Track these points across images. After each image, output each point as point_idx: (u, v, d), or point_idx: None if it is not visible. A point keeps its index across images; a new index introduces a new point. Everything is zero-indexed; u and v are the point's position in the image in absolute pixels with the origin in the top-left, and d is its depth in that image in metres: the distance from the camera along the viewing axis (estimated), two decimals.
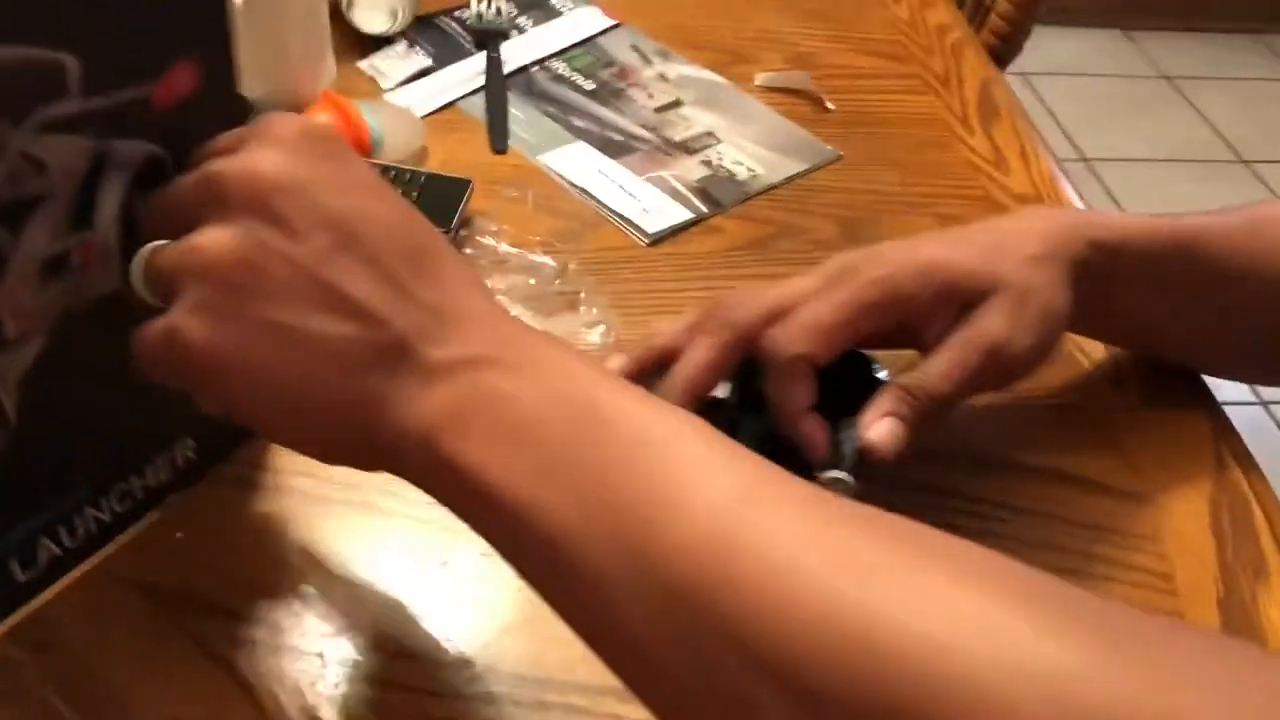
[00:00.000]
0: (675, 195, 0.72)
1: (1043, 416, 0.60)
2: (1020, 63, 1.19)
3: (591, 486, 0.34)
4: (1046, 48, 2.51)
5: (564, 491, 0.34)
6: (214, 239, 0.37)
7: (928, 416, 0.50)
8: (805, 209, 0.73)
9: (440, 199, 0.66)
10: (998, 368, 0.51)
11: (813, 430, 0.50)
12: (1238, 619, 0.51)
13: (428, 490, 0.37)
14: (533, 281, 0.63)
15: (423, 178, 0.67)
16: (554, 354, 0.37)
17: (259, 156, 0.38)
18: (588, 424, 0.35)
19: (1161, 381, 0.62)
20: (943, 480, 0.55)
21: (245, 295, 0.36)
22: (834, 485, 0.48)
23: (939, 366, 0.51)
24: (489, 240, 0.66)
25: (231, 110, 0.44)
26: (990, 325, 0.51)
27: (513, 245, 0.66)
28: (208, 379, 0.38)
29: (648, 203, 0.71)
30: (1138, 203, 2.25)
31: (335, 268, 0.37)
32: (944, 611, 0.30)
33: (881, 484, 0.48)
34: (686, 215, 0.71)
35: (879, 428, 0.49)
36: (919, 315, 0.52)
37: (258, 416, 0.39)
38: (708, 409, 0.51)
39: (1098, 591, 0.51)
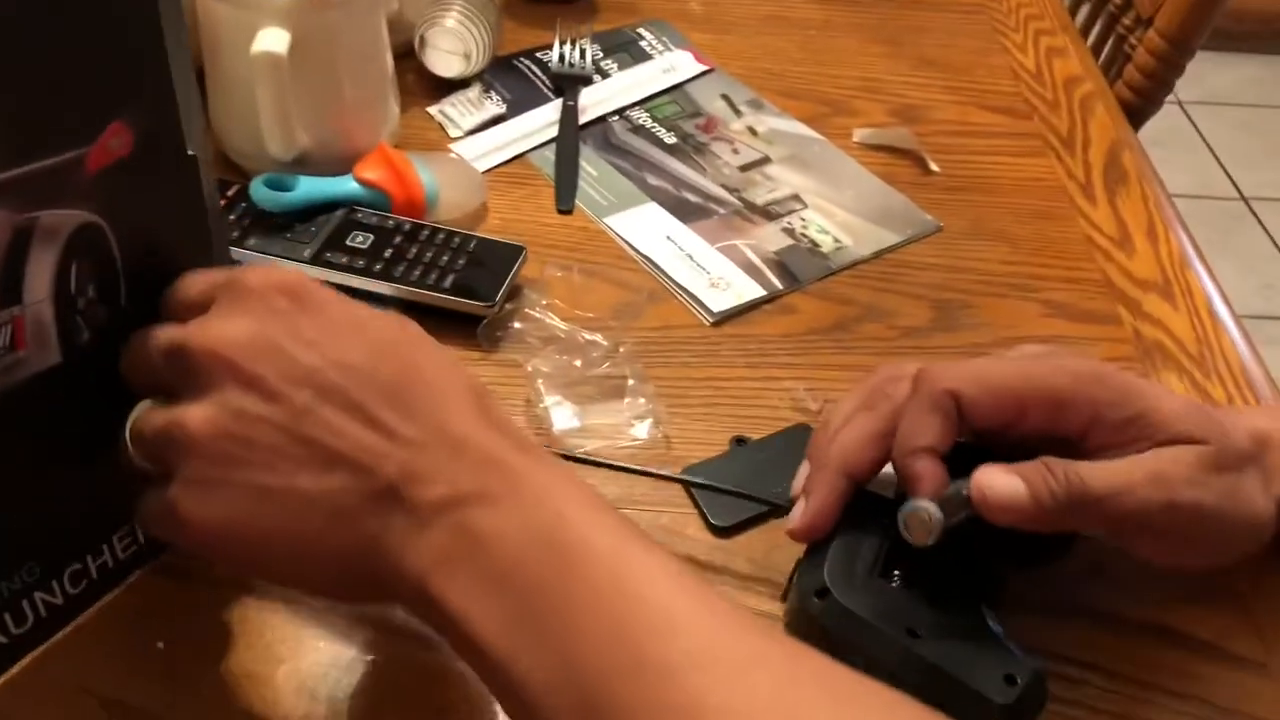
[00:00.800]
0: (748, 268, 0.66)
1: None
2: (1176, 90, 1.08)
3: (558, 641, 0.34)
4: (1206, 75, 2.35)
5: (534, 645, 0.35)
6: (193, 415, 0.38)
7: (1059, 506, 0.43)
8: (894, 288, 0.66)
9: (489, 267, 0.61)
10: (1166, 529, 0.43)
11: (923, 467, 0.44)
12: None
13: (429, 626, 0.38)
14: (578, 363, 0.58)
15: (473, 243, 0.63)
16: (543, 482, 0.37)
17: (225, 326, 0.39)
18: (561, 568, 0.35)
19: None
20: (1021, 629, 0.48)
21: (233, 465, 0.38)
22: (914, 516, 0.43)
23: (1105, 467, 0.43)
24: (538, 314, 0.61)
25: (174, 170, 0.42)
26: (1183, 473, 0.43)
27: (563, 320, 0.60)
28: (210, 547, 0.40)
29: (717, 275, 0.65)
30: None
31: (316, 423, 0.38)
32: None
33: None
34: (758, 292, 0.64)
35: (995, 476, 0.43)
36: (1100, 433, 0.44)
37: (265, 572, 0.42)
38: (867, 503, 0.47)
39: None
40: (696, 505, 0.53)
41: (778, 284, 0.65)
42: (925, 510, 0.43)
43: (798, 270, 0.66)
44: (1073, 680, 0.47)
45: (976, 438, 0.46)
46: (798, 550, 0.51)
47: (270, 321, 0.39)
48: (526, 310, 0.61)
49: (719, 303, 0.63)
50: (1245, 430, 0.46)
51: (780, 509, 0.51)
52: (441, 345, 0.41)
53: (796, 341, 0.62)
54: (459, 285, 0.60)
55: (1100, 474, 0.43)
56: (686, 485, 0.54)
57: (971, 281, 0.67)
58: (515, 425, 0.40)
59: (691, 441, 0.56)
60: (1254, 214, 2.17)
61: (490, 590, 0.35)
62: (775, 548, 0.52)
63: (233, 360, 0.38)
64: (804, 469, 0.48)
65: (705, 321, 0.63)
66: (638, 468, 0.53)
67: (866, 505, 0.47)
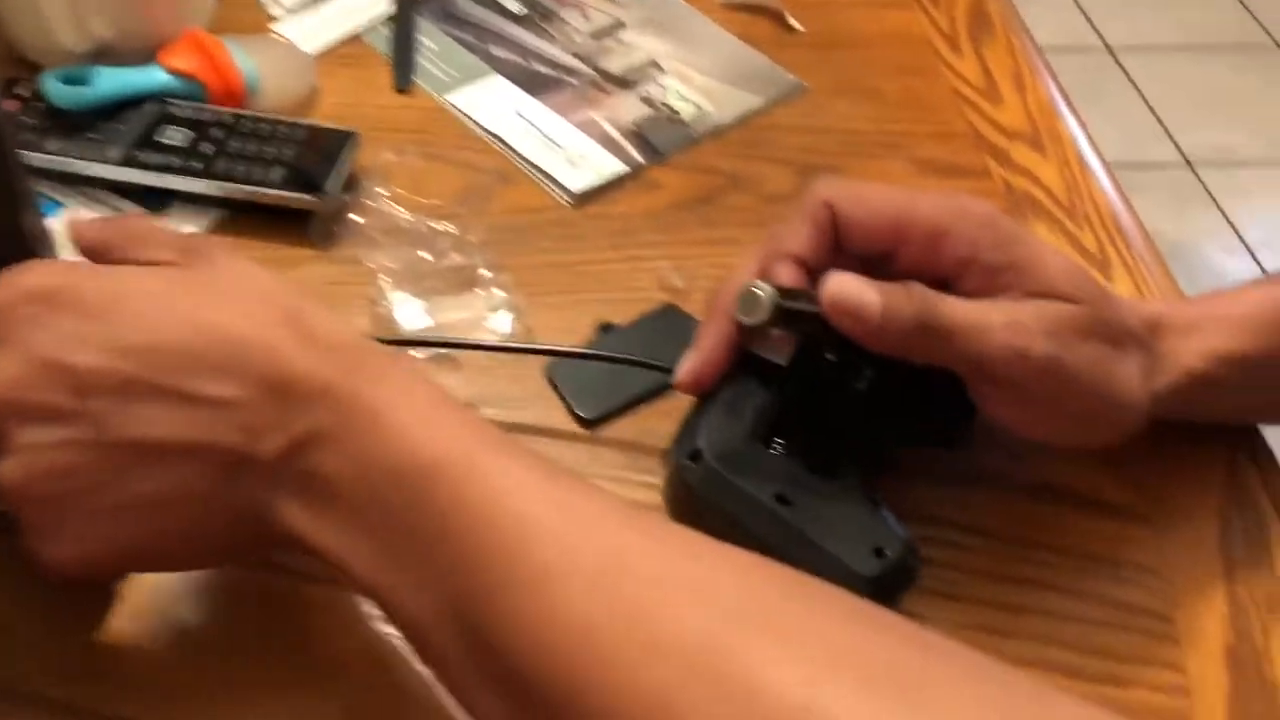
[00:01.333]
0: (606, 142, 0.62)
1: None
2: None
3: (427, 570, 0.33)
4: None
5: (408, 578, 0.33)
6: (2, 473, 0.35)
7: (906, 328, 0.40)
8: (759, 154, 0.63)
9: (320, 156, 0.56)
10: (1017, 383, 0.41)
11: (782, 271, 0.43)
12: (1249, 673, 0.43)
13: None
14: (425, 255, 0.54)
15: (300, 131, 0.57)
16: (380, 403, 0.35)
17: None
18: (411, 495, 0.33)
19: None
20: (901, 495, 0.46)
21: (67, 501, 0.35)
22: (747, 292, 0.41)
23: (964, 303, 0.41)
24: (378, 204, 0.56)
25: None
26: (1043, 327, 0.41)
27: (406, 210, 0.56)
28: (96, 575, 0.39)
29: (574, 152, 0.61)
30: (1165, 98, 2.10)
31: (126, 423, 0.35)
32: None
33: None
34: (619, 167, 0.61)
35: (849, 280, 0.40)
36: (974, 275, 0.42)
37: (168, 568, 0.40)
38: (758, 372, 0.44)
39: (1082, 636, 0.44)
40: (562, 398, 0.50)
41: (639, 158, 0.61)
42: (759, 287, 0.41)
43: (658, 142, 0.62)
44: (953, 543, 0.46)
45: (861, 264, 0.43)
46: (672, 437, 0.49)
47: (29, 338, 0.35)
48: (365, 201, 0.56)
49: (577, 181, 0.59)
50: (1140, 314, 0.44)
51: (663, 382, 0.49)
52: (231, 264, 0.37)
53: (661, 218, 0.59)
54: (287, 178, 0.55)
55: (958, 308, 0.41)
56: (550, 377, 0.51)
57: (838, 143, 0.64)
58: (344, 335, 0.37)
59: (555, 330, 0.53)
60: (1120, 65, 2.19)
61: (354, 530, 0.34)
62: (647, 434, 0.49)
63: (9, 400, 0.35)
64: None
65: (563, 202, 0.59)
66: (499, 344, 0.50)
67: (755, 369, 0.44)
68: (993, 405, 0.43)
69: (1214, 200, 1.92)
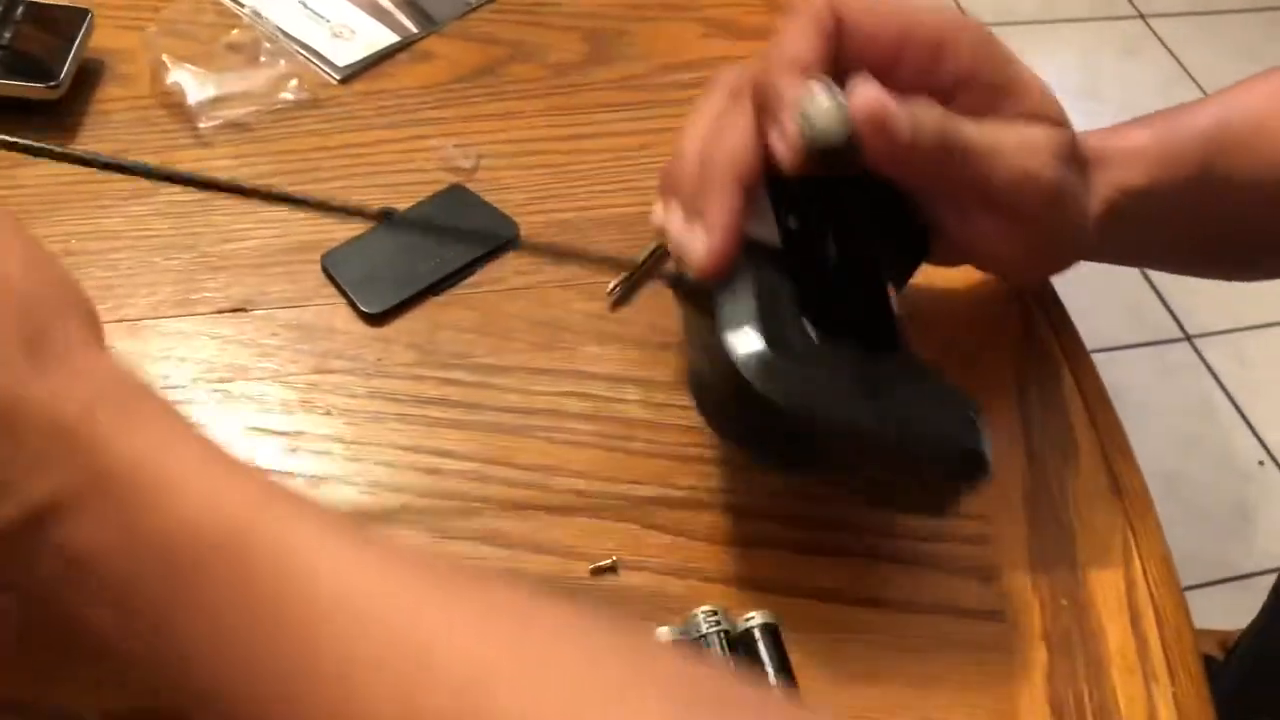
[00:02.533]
0: (374, 11, 0.57)
1: None
2: None
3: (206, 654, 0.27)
4: None
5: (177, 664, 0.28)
6: None
7: (930, 145, 0.38)
8: (542, 21, 0.59)
9: (47, 40, 0.50)
10: (1017, 206, 0.41)
11: (795, 84, 0.37)
12: (1045, 517, 0.44)
13: None
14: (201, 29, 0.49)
15: (19, 8, 0.50)
16: (140, 452, 0.28)
17: None
18: (175, 578, 0.27)
19: None
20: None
21: None
22: (816, 105, 0.36)
23: (979, 124, 0.40)
24: (117, 95, 0.50)
25: None
26: (1050, 151, 0.40)
27: (152, 99, 0.50)
28: None
29: (339, 23, 0.56)
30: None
31: None
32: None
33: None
34: (390, 38, 0.56)
35: (877, 89, 0.37)
36: (970, 92, 0.41)
37: None
38: (749, 257, 0.38)
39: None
40: (343, 293, 0.47)
41: (411, 27, 0.57)
42: (833, 94, 0.36)
43: (432, 9, 0.58)
44: None
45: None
46: (467, 332, 0.46)
47: None
48: (104, 91, 0.50)
49: (344, 55, 0.55)
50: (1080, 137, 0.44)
51: (451, 269, 0.46)
52: None
53: (440, 92, 0.55)
54: (10, 65, 0.49)
55: (972, 127, 0.39)
56: (328, 271, 0.47)
57: (624, 7, 0.60)
58: (108, 360, 0.30)
59: (330, 222, 0.49)
60: None
61: (112, 604, 0.28)
62: (438, 329, 0.46)
63: None
64: (662, 206, 0.40)
65: (331, 79, 0.54)
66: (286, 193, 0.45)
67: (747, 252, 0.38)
68: (978, 233, 0.42)
69: None
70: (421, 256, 0.48)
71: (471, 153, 0.52)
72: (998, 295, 0.50)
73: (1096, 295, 1.69)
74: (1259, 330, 1.66)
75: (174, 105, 0.51)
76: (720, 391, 0.37)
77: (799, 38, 0.38)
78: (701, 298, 0.38)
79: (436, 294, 0.47)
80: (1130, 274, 1.73)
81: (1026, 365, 0.49)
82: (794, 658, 0.38)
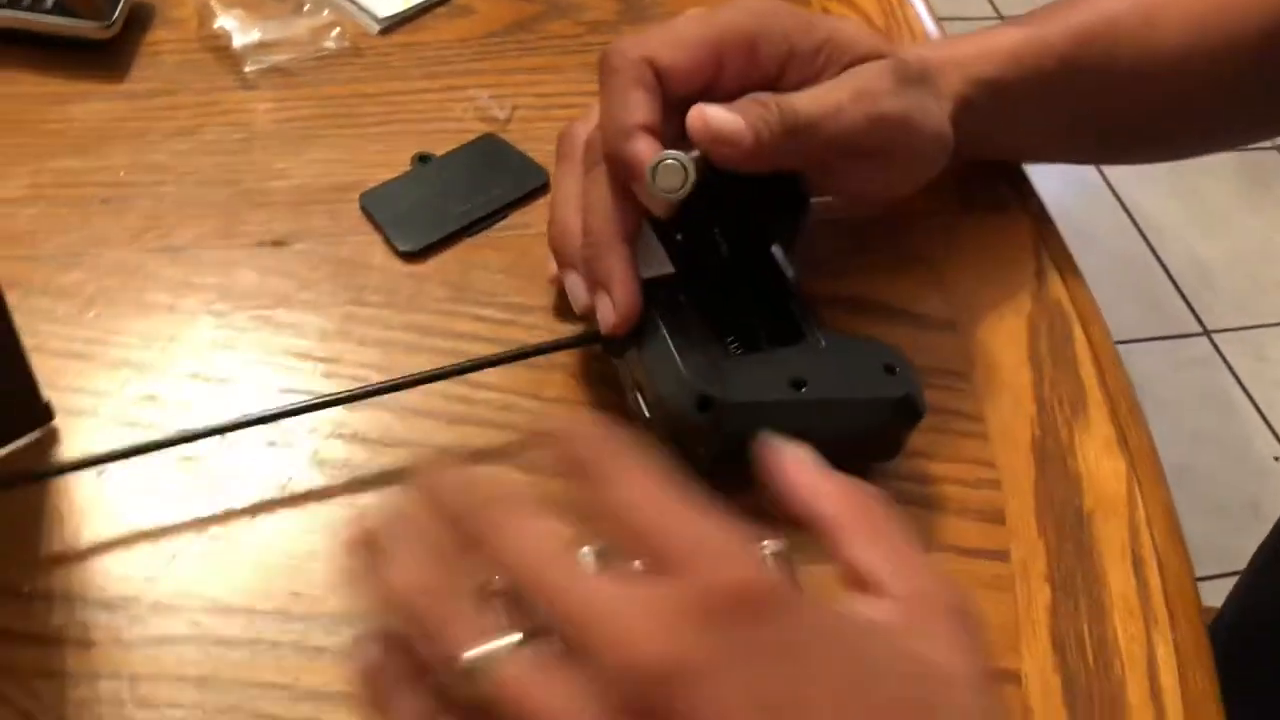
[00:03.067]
0: None
1: (836, 231, 0.51)
2: None
3: None
4: None
5: None
6: None
7: (776, 137, 0.40)
8: None
9: None
10: (873, 146, 0.43)
11: (644, 146, 0.39)
12: (1052, 464, 0.45)
13: None
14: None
15: None
16: None
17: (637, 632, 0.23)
18: None
19: (979, 179, 0.54)
20: None
21: None
22: (666, 167, 0.39)
23: (809, 93, 0.42)
24: (166, 37, 0.52)
25: None
26: (881, 86, 0.42)
27: (198, 43, 0.52)
28: None
29: None
30: None
31: None
32: None
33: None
34: None
35: (712, 109, 0.40)
36: (795, 66, 0.42)
37: None
38: (653, 300, 0.41)
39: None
40: (380, 232, 0.48)
41: None
42: (673, 157, 0.39)
43: None
44: None
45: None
46: (497, 272, 0.48)
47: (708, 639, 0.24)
48: (153, 29, 0.52)
49: (385, 7, 0.56)
50: (912, 53, 0.46)
51: (484, 212, 0.48)
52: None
53: (476, 45, 0.57)
54: (64, 4, 0.50)
55: (807, 99, 0.41)
56: (367, 210, 0.49)
57: None
58: None
59: (369, 165, 0.51)
60: None
61: None
62: (471, 268, 0.48)
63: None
64: (567, 276, 0.42)
65: (371, 30, 0.56)
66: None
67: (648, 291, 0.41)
68: (849, 180, 0.45)
69: None
70: (455, 199, 0.49)
71: (506, 104, 0.54)
72: (1013, 256, 0.52)
73: (1116, 289, 1.70)
74: (1278, 328, 1.67)
75: (220, 49, 0.53)
76: (668, 430, 0.40)
77: (627, 102, 0.40)
78: (627, 348, 0.41)
79: (469, 235, 0.49)
80: (1150, 267, 1.73)
81: (1039, 323, 0.50)
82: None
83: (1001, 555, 0.42)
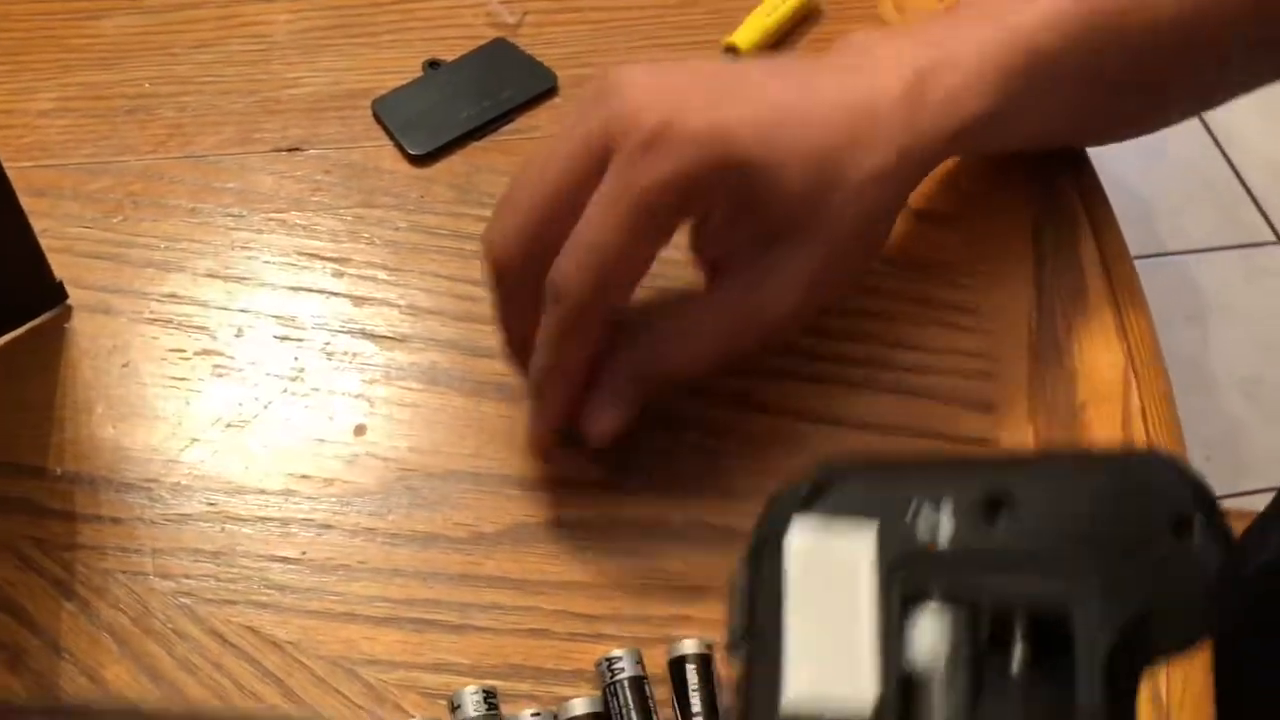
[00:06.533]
0: None
1: None
2: None
3: None
4: None
5: None
6: None
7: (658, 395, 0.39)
8: None
9: None
10: (770, 339, 0.40)
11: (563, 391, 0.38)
12: (1049, 356, 0.46)
13: None
14: None
15: None
16: None
17: None
18: None
19: None
20: None
21: None
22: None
23: (702, 343, 0.38)
24: None
25: None
26: (781, 299, 0.38)
27: None
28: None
29: None
30: None
31: None
32: None
33: None
34: None
35: (600, 424, 0.38)
36: (713, 223, 0.39)
37: None
38: None
39: (889, 330, 0.46)
40: (391, 136, 0.50)
41: None
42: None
43: None
44: None
45: None
46: (504, 175, 0.49)
47: None
48: None
49: None
50: (893, 93, 0.39)
51: (495, 114, 0.49)
52: None
53: None
54: None
55: (686, 353, 0.38)
56: (378, 116, 0.50)
57: None
58: None
59: (380, 71, 0.52)
60: None
61: None
62: (478, 170, 0.49)
63: None
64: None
65: None
66: None
67: None
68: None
69: None
70: (464, 104, 0.51)
71: (517, 9, 0.55)
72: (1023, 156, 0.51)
73: (1185, 197, 1.66)
74: None
75: None
76: None
77: (630, 252, 0.36)
78: None
79: (477, 139, 0.50)
80: (1223, 175, 1.68)
81: (1043, 216, 0.50)
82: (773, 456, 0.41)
83: (989, 442, 0.43)
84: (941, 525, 0.26)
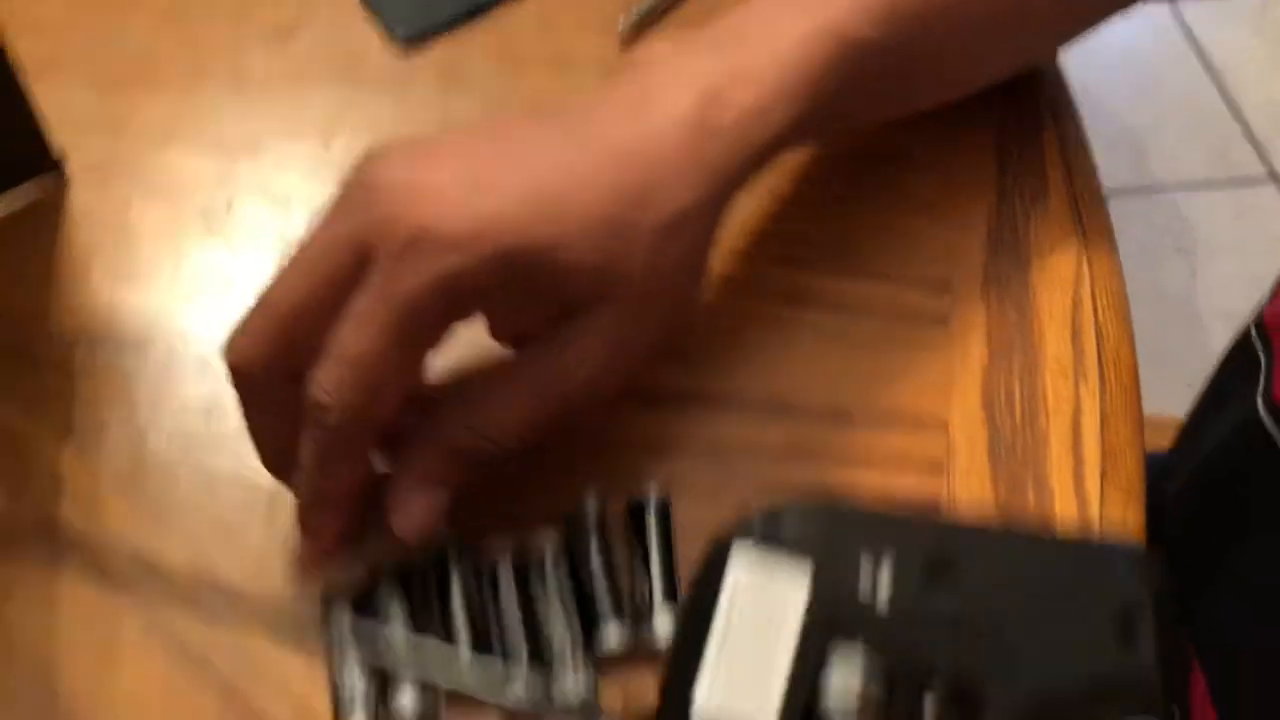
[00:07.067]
0: None
1: None
2: None
3: None
4: None
5: None
6: None
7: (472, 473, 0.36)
8: None
9: None
10: (590, 400, 0.36)
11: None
12: (1006, 247, 0.48)
13: None
14: None
15: None
16: None
17: None
18: None
19: None
20: None
21: None
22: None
23: (512, 412, 0.35)
24: None
25: None
26: (589, 361, 0.35)
27: None
28: None
29: None
30: None
31: None
32: None
33: None
34: None
35: (410, 514, 0.34)
36: (500, 311, 0.37)
37: None
38: None
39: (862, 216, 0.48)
40: (379, 19, 0.52)
41: None
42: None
43: None
44: None
45: None
46: (489, 60, 0.51)
47: None
48: None
49: None
50: (676, 117, 0.35)
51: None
52: None
53: None
54: None
55: (507, 421, 0.35)
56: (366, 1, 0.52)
57: None
58: None
59: None
60: None
61: None
62: (466, 55, 0.51)
63: None
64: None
65: None
66: None
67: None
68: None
69: None
70: None
71: None
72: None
73: (1179, 133, 1.66)
74: None
75: None
76: None
77: (349, 479, 0.35)
78: None
79: (464, 23, 0.52)
80: (1220, 113, 1.69)
81: (1006, 114, 0.51)
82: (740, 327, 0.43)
83: (942, 320, 0.45)
84: (881, 579, 0.29)
